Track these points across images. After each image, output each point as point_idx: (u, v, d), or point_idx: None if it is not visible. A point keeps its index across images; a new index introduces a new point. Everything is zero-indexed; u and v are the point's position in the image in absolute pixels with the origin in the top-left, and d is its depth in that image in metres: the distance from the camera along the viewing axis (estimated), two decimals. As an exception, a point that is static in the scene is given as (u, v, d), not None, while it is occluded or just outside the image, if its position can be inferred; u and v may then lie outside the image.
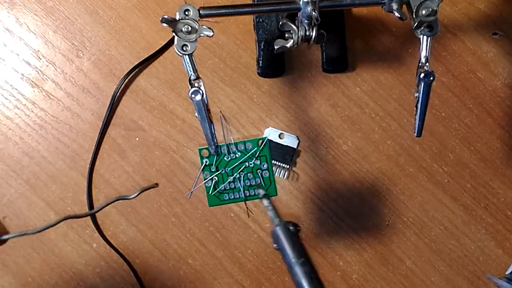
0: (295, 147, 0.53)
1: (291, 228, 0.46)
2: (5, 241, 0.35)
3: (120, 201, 0.52)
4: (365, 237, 0.53)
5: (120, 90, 0.52)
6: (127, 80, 0.52)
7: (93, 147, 0.52)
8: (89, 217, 0.52)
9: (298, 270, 0.43)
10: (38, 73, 0.53)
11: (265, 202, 0.47)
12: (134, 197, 0.42)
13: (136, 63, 0.52)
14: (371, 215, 0.53)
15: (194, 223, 0.53)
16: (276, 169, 0.53)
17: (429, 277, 0.54)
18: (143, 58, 0.52)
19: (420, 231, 0.54)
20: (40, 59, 0.53)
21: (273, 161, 0.52)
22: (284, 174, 0.53)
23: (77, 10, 0.53)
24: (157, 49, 0.52)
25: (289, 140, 0.53)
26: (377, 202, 0.54)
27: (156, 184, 0.49)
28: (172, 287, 0.53)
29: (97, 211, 0.39)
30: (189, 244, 0.53)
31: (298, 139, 0.53)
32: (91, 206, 0.52)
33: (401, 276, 0.53)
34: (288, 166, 0.53)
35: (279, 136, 0.53)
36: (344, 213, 0.53)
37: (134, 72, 0.52)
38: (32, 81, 0.52)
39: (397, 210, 0.54)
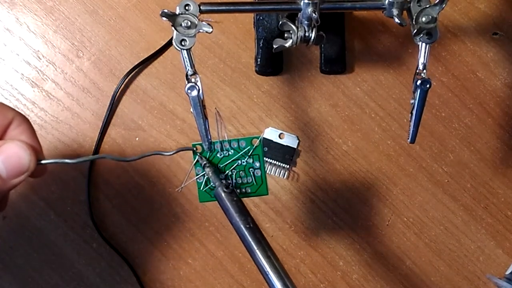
0: (295, 147, 0.53)
1: (226, 189, 0.48)
2: (44, 166, 0.36)
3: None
4: (365, 237, 0.53)
5: (120, 90, 0.52)
6: (127, 80, 0.52)
7: (93, 147, 0.52)
8: (89, 217, 0.52)
9: (236, 219, 0.45)
10: (38, 73, 0.53)
11: (207, 170, 0.49)
12: (171, 154, 0.42)
13: (136, 63, 0.52)
14: (371, 215, 0.54)
15: (194, 223, 0.53)
16: (276, 169, 0.53)
17: (429, 277, 0.54)
18: (143, 58, 0.52)
19: (420, 231, 0.54)
20: (40, 59, 0.53)
21: (273, 161, 0.52)
22: (284, 174, 0.53)
23: (77, 10, 0.53)
24: (157, 49, 0.52)
25: (289, 140, 0.53)
26: (377, 202, 0.54)
27: (196, 148, 0.49)
28: (172, 287, 0.53)
29: (133, 160, 0.40)
30: (189, 244, 0.53)
31: (298, 139, 0.53)
32: (90, 205, 0.52)
33: (401, 276, 0.53)
34: (288, 166, 0.53)
35: (279, 136, 0.53)
36: (344, 213, 0.53)
37: (134, 72, 0.52)
38: (32, 81, 0.52)
39: (397, 210, 0.54)
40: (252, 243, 0.46)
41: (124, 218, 0.53)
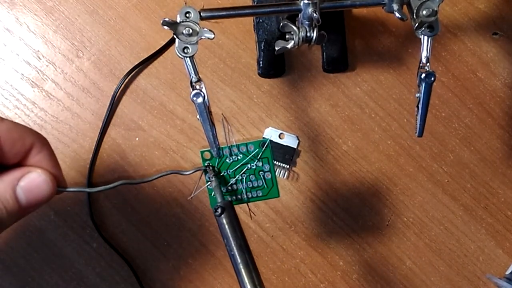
0: (295, 147, 0.53)
1: (215, 212, 0.48)
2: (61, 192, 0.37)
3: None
4: (365, 237, 0.53)
5: (120, 90, 0.52)
6: (127, 80, 0.52)
7: (93, 147, 0.52)
8: (89, 217, 0.52)
9: (225, 243, 0.45)
10: (38, 73, 0.52)
11: (213, 184, 0.49)
12: (188, 174, 0.42)
13: (136, 63, 0.52)
14: (371, 215, 0.54)
15: (194, 223, 0.53)
16: (276, 169, 0.53)
17: (429, 277, 0.54)
18: (143, 58, 0.52)
19: (420, 231, 0.54)
20: (40, 59, 0.53)
21: (273, 161, 0.52)
22: (284, 174, 0.53)
23: (77, 10, 0.53)
24: (157, 49, 0.52)
25: (289, 140, 0.53)
26: (377, 202, 0.54)
27: (210, 166, 0.49)
28: (172, 287, 0.53)
29: (150, 180, 0.40)
30: (189, 244, 0.53)
31: (298, 139, 0.53)
32: (90, 205, 0.52)
33: (401, 276, 0.54)
34: (288, 166, 0.53)
35: (279, 136, 0.53)
36: (344, 213, 0.53)
37: (134, 72, 0.52)
38: (32, 81, 0.52)
39: (397, 210, 0.54)
40: (238, 269, 0.45)
41: (124, 218, 0.53)
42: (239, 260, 0.44)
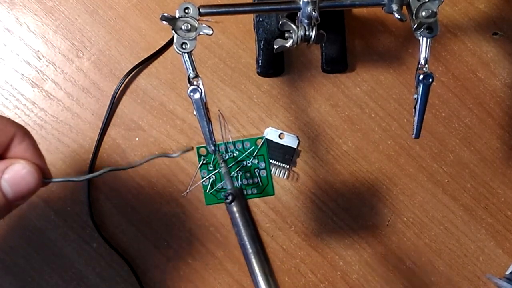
0: (295, 147, 0.53)
1: (226, 200, 0.47)
2: (47, 183, 0.36)
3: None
4: (365, 237, 0.53)
5: (120, 90, 0.52)
6: (127, 80, 0.52)
7: (93, 147, 0.52)
8: (89, 217, 0.52)
9: (236, 231, 0.45)
10: (38, 73, 0.53)
11: (223, 169, 0.49)
12: (176, 156, 0.43)
13: (136, 63, 0.52)
14: (371, 215, 0.53)
15: (194, 223, 0.53)
16: (276, 169, 0.53)
17: (429, 277, 0.54)
18: (143, 58, 0.52)
19: (420, 231, 0.54)
20: (40, 59, 0.53)
21: (273, 161, 0.52)
22: (284, 174, 0.53)
23: (77, 10, 0.53)
24: (157, 49, 0.52)
25: (289, 140, 0.53)
26: (377, 202, 0.54)
27: (192, 148, 0.49)
28: (172, 287, 0.53)
29: (138, 165, 0.40)
30: (189, 244, 0.53)
31: (298, 139, 0.53)
32: (90, 205, 0.52)
33: (401, 276, 0.53)
34: (288, 166, 0.53)
35: (279, 136, 0.53)
36: (344, 213, 0.53)
37: (134, 72, 0.52)
38: (32, 81, 0.52)
39: (397, 210, 0.54)
40: (249, 258, 0.45)
41: (124, 218, 0.53)
42: (250, 250, 0.44)
